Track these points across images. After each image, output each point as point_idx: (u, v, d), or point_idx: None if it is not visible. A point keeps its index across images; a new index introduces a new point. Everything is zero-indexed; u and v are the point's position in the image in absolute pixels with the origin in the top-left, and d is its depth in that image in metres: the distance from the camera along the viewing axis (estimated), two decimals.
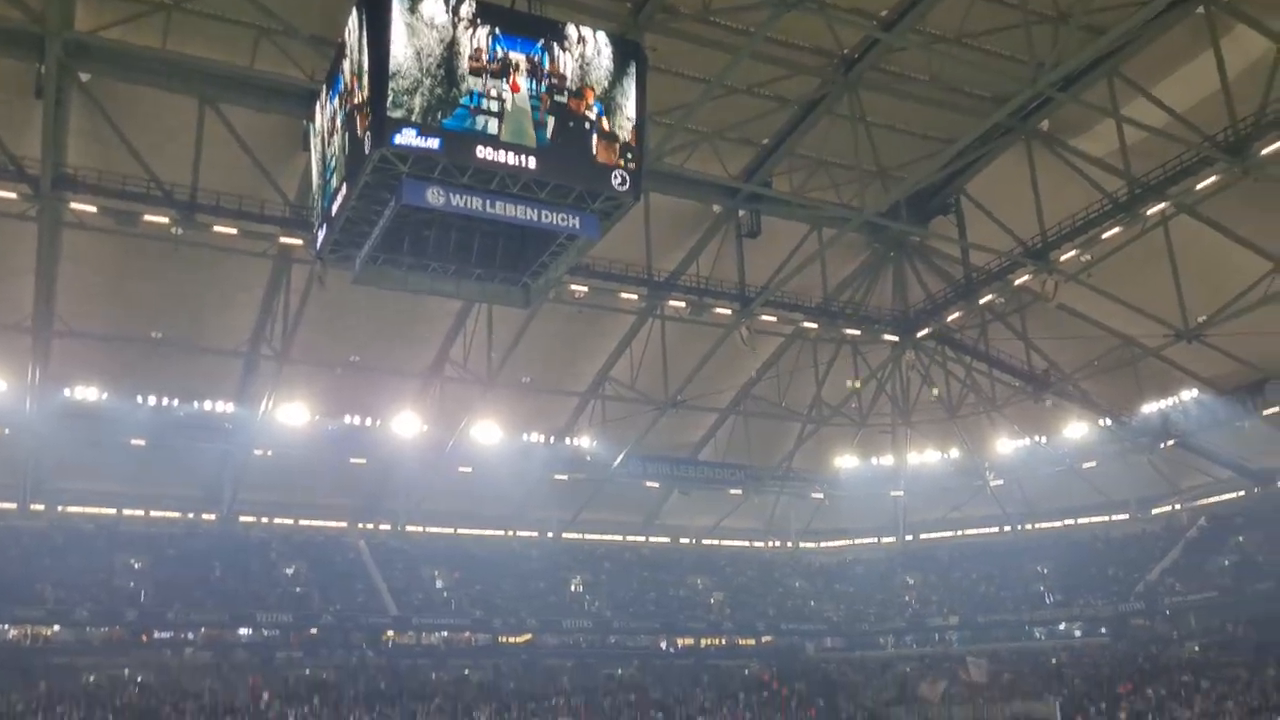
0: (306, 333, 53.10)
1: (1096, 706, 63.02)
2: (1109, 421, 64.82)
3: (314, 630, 61.14)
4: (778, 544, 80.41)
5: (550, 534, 73.34)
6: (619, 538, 76.74)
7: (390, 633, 63.85)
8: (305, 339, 53.51)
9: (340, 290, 43.26)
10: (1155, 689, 61.33)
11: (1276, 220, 47.14)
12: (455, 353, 56.14)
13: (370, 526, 69.63)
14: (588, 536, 75.31)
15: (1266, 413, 57.97)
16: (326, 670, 58.95)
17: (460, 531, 70.81)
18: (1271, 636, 60.22)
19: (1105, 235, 48.46)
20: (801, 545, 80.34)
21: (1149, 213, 47.14)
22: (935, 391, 65.91)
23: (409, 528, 70.25)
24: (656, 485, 69.22)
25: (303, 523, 67.64)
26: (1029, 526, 77.10)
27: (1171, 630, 67.24)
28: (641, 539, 77.20)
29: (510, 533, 72.87)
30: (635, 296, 52.92)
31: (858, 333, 61.17)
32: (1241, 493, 69.08)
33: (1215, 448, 64.32)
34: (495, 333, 54.00)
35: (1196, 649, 64.03)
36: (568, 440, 64.21)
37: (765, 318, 56.30)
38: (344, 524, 68.59)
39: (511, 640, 67.31)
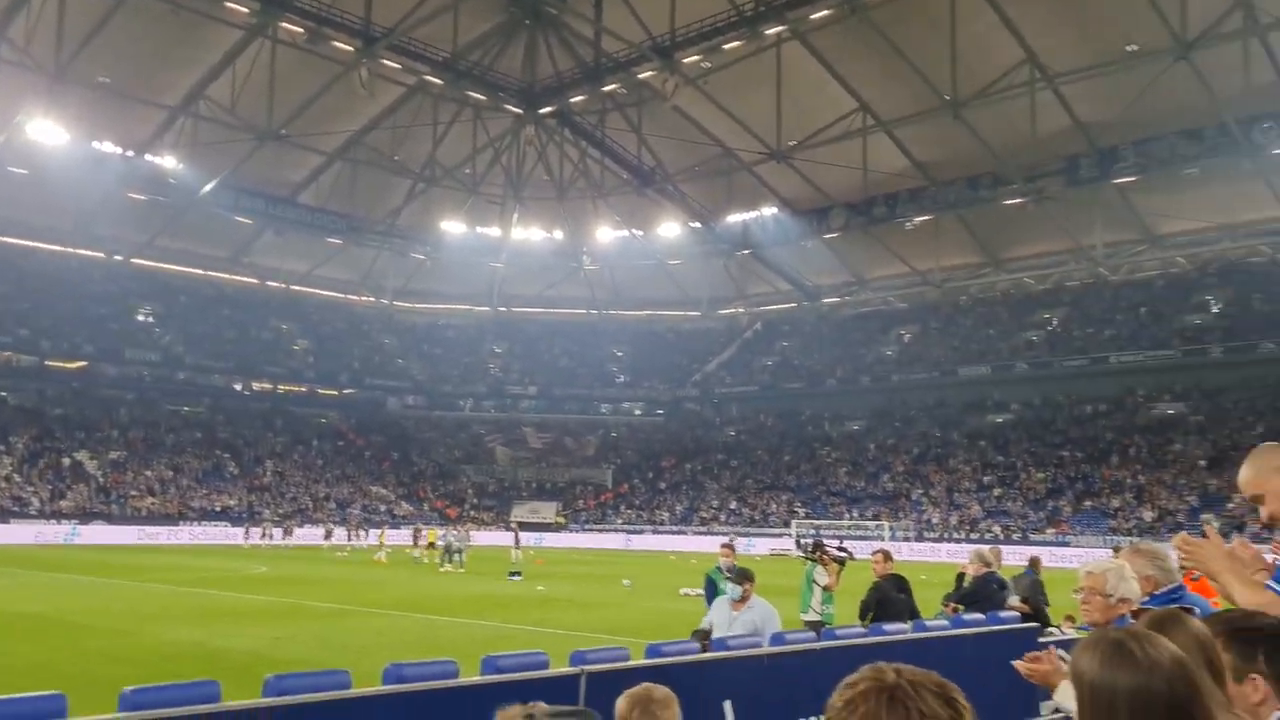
0: None
1: (642, 476, 70.69)
2: (698, 225, 69.65)
3: None
4: (372, 299, 79.37)
5: (119, 257, 66.76)
6: (200, 271, 71.68)
7: None
8: None
9: None
10: (693, 464, 69.79)
11: (872, 67, 51.86)
12: (15, 33, 47.69)
13: None
14: (163, 265, 69.51)
15: (827, 236, 65.25)
16: None
17: (7, 240, 62.10)
18: (792, 427, 70.27)
19: (727, 46, 50.64)
20: (396, 303, 79.97)
21: (768, 32, 49.84)
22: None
23: None
24: (249, 221, 64.71)
25: None
26: (613, 312, 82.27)
27: (715, 416, 76.19)
28: (226, 276, 72.75)
29: (70, 249, 65.40)
30: (245, 10, 47.69)
31: (482, 98, 59.95)
32: (794, 304, 78.14)
33: (781, 261, 71.64)
34: (68, 18, 46.44)
35: (732, 434, 73.20)
36: (149, 157, 57.60)
37: (388, 63, 53.28)
38: None
39: (62, 365, 61.76)
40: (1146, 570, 4.49)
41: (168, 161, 57.64)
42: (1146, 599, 4.66)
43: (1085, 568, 4.33)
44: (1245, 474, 3.10)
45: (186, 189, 58.96)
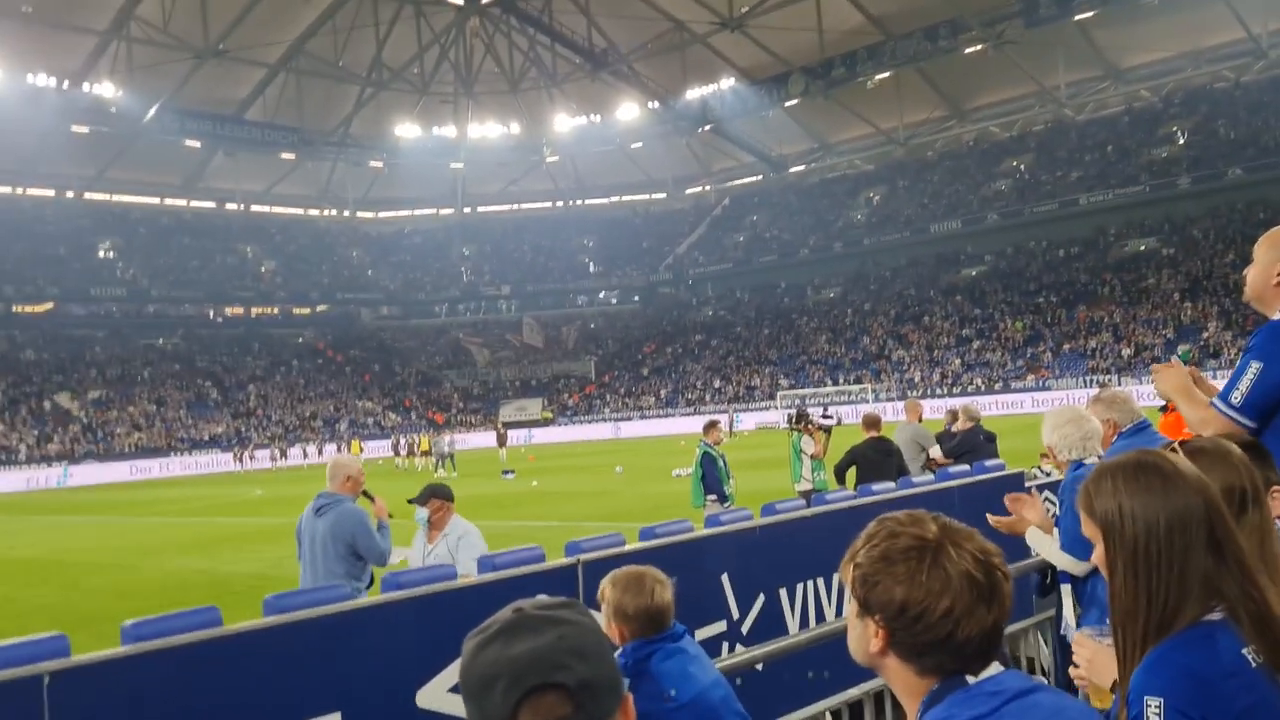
0: None
1: (624, 364, 71.00)
2: (656, 104, 68.37)
3: None
4: (333, 212, 78.14)
5: (70, 193, 65.23)
6: (155, 200, 70.25)
7: None
8: None
9: None
10: (674, 348, 70.07)
11: None
12: None
13: None
14: (117, 198, 68.02)
15: (788, 104, 64.24)
16: None
17: None
18: (768, 301, 70.44)
19: None
20: (358, 215, 78.80)
21: None
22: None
23: None
24: (198, 144, 63.10)
25: None
26: (579, 202, 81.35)
27: (691, 297, 76.21)
28: (182, 202, 71.37)
29: (19, 190, 63.80)
30: None
31: None
32: (760, 177, 77.45)
33: (743, 134, 70.67)
34: None
35: (710, 313, 73.37)
36: (86, 86, 55.73)
37: None
38: None
39: (29, 309, 60.90)
40: (1106, 415, 4.57)
41: (106, 89, 55.85)
42: (1114, 439, 4.74)
43: (1045, 427, 4.41)
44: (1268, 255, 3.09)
45: (129, 116, 57.29)
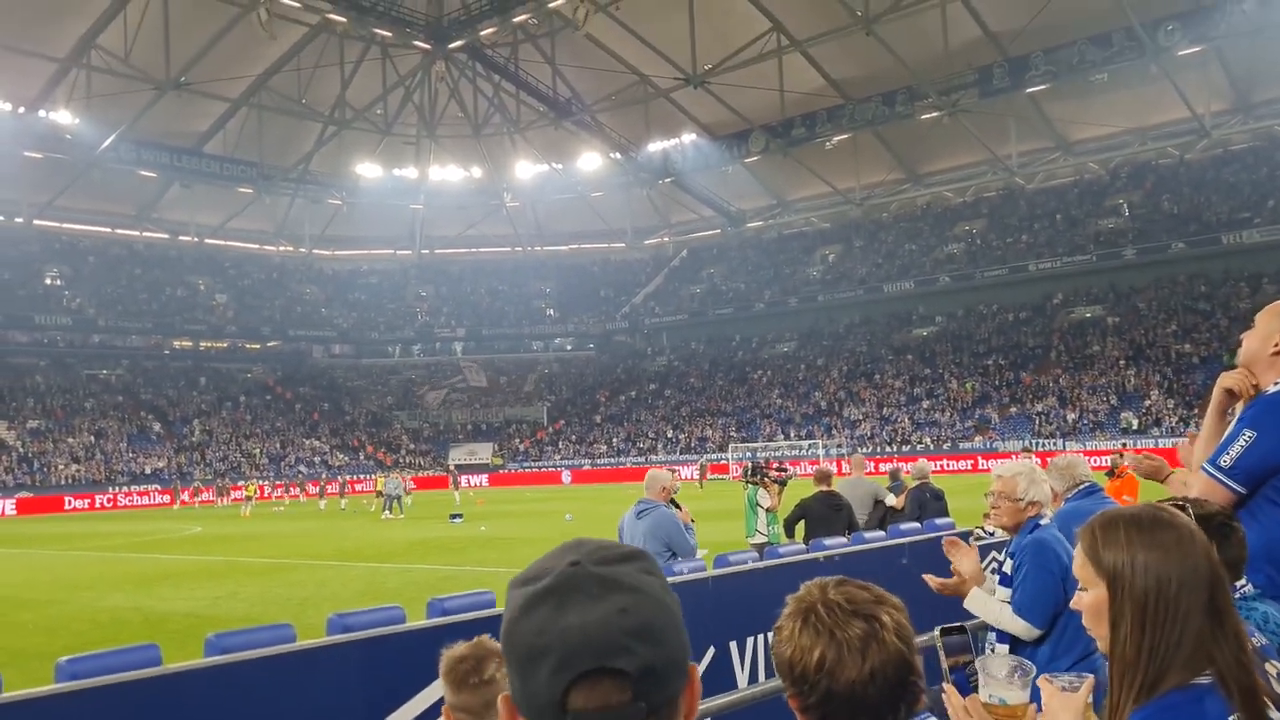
0: None
1: (577, 410, 70.82)
2: (618, 155, 69.01)
3: None
4: (290, 249, 77.53)
5: (19, 219, 64.12)
6: (107, 230, 69.25)
7: None
8: None
9: None
10: (627, 396, 70.07)
11: None
12: None
13: None
14: (67, 226, 67.00)
15: (748, 160, 65.19)
16: None
17: None
18: (723, 353, 70.84)
19: None
20: (315, 252, 78.24)
21: None
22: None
23: None
24: (154, 175, 62.48)
25: None
26: (537, 248, 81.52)
27: (647, 347, 76.42)
28: (135, 233, 70.43)
29: None
30: None
31: (388, 34, 58.22)
32: (718, 230, 78.26)
33: (703, 188, 71.50)
34: None
35: (664, 363, 73.57)
36: (42, 113, 55.12)
37: (288, 2, 51.40)
38: None
39: None
40: (1054, 483, 4.64)
41: (63, 116, 55.26)
42: (1067, 498, 4.82)
43: (996, 471, 4.40)
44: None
45: (85, 145, 56.69)
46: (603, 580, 1.00)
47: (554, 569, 1.02)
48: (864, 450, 53.73)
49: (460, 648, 2.71)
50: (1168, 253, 55.12)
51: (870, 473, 12.79)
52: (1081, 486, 4.82)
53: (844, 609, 1.46)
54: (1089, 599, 1.73)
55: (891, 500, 11.62)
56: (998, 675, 1.79)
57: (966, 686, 1.82)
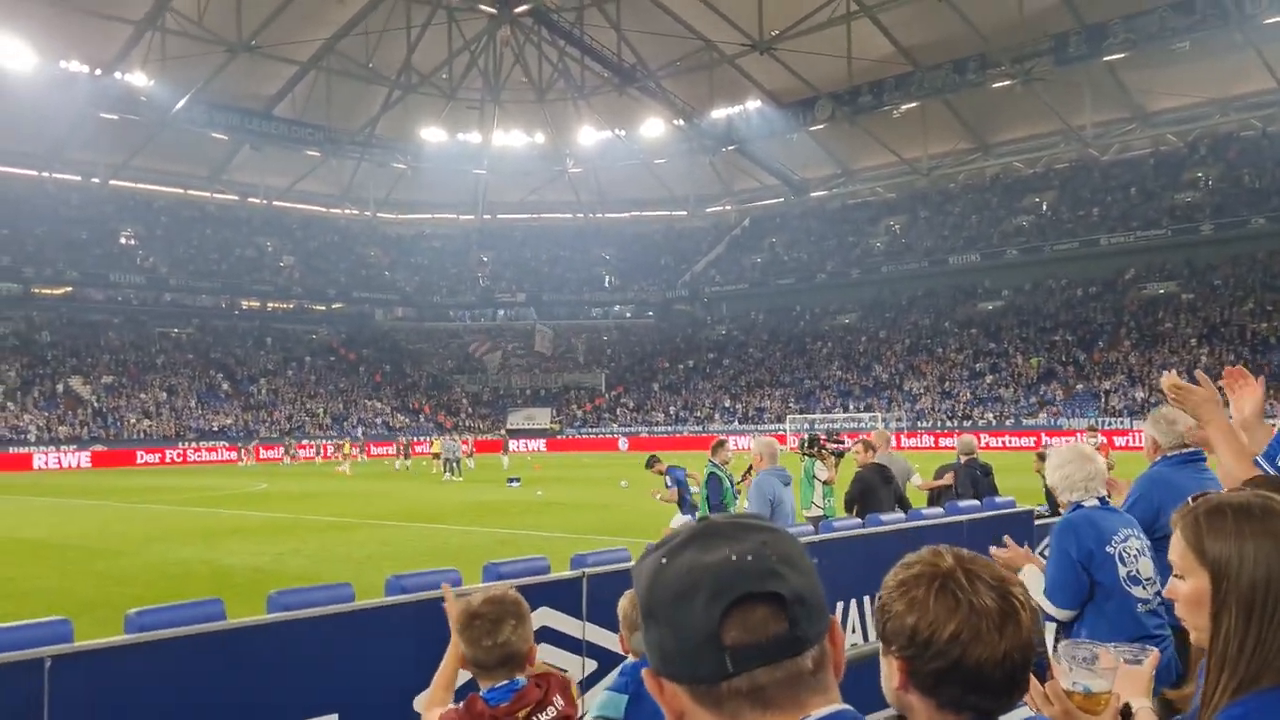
0: None
1: (635, 378, 71.00)
2: (682, 122, 68.51)
3: None
4: (355, 212, 78.48)
5: (96, 180, 65.74)
6: (179, 190, 70.72)
7: None
8: None
9: None
10: (685, 365, 70.05)
11: None
12: None
13: None
14: (141, 186, 68.55)
15: (813, 128, 64.32)
16: None
17: None
18: (783, 323, 70.38)
19: None
20: (379, 215, 79.12)
21: None
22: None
23: None
24: (225, 137, 63.56)
25: None
26: (599, 215, 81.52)
27: (706, 316, 76.19)
28: (206, 194, 71.78)
29: (46, 174, 64.40)
30: None
31: None
32: (781, 199, 77.49)
33: (767, 156, 70.73)
34: None
35: (724, 332, 73.31)
36: (118, 75, 56.22)
37: None
38: None
39: (47, 292, 61.34)
40: (1151, 431, 4.56)
41: (138, 79, 56.31)
42: (1156, 459, 4.64)
43: (1048, 466, 4.40)
44: None
45: (159, 106, 57.78)
46: (738, 524, 1.02)
47: (685, 529, 1.03)
48: (924, 424, 53.23)
49: (479, 602, 2.62)
50: (1247, 228, 53.39)
51: (895, 448, 12.68)
52: (1187, 449, 4.55)
53: (984, 581, 1.39)
54: (1187, 588, 1.66)
55: (917, 481, 11.53)
56: (1084, 662, 1.75)
57: (1043, 672, 1.78)
